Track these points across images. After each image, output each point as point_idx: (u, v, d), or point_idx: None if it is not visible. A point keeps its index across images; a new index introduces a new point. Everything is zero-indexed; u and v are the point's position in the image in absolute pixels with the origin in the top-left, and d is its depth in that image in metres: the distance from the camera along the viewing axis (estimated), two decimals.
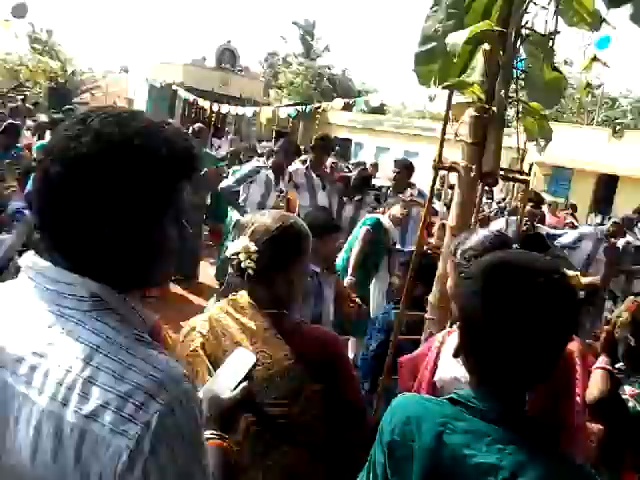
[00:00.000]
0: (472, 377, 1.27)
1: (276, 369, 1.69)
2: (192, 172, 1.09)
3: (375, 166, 12.43)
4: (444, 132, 2.80)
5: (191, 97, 21.52)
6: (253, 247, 1.79)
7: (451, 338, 2.12)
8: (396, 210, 5.59)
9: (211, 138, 14.22)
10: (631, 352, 2.64)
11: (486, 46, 2.62)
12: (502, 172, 2.83)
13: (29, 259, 1.04)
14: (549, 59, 2.71)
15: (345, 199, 6.65)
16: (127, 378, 0.91)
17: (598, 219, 16.15)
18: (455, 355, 1.31)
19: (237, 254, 1.81)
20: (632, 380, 2.59)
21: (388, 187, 7.53)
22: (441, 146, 2.83)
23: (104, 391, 0.90)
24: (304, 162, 6.69)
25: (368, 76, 77.54)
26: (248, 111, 20.73)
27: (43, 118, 11.90)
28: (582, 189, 19.36)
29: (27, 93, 24.75)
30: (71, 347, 0.94)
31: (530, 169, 3.02)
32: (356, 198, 6.62)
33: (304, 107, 20.23)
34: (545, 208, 9.63)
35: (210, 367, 1.74)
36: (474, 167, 2.67)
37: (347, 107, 18.87)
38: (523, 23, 2.60)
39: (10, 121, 7.11)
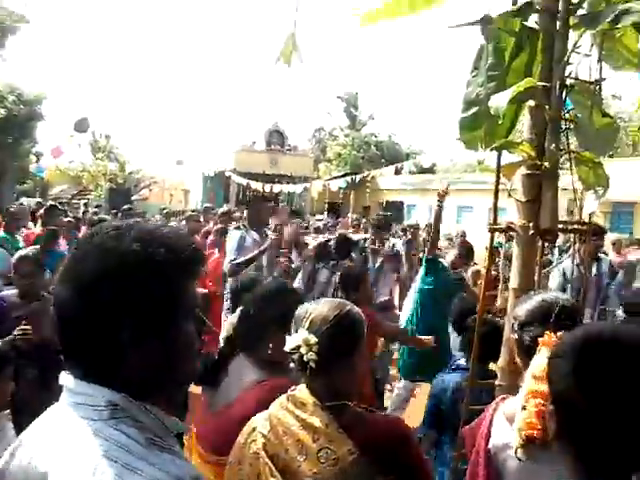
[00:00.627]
0: (572, 464, 1.15)
1: (341, 465, 1.62)
2: (196, 269, 1.13)
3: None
4: (496, 195, 2.73)
5: (244, 181, 22.23)
6: (313, 339, 1.73)
7: (505, 404, 2.03)
8: (452, 256, 6.09)
9: None
10: None
11: (531, 102, 2.57)
12: (561, 225, 2.71)
13: (64, 378, 1.07)
14: (598, 105, 2.63)
15: (321, 264, 6.29)
16: None
17: None
18: (545, 442, 1.20)
19: (297, 348, 1.75)
20: None
21: (364, 239, 7.30)
22: (495, 208, 2.75)
23: None
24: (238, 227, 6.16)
25: (414, 138, 78.37)
26: (298, 188, 21.14)
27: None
28: None
29: (89, 197, 26.07)
30: (82, 458, 0.96)
31: (590, 218, 2.89)
32: (331, 263, 6.29)
33: (353, 177, 20.49)
34: (609, 246, 9.25)
35: (272, 468, 1.69)
36: (531, 225, 2.57)
37: (398, 172, 18.98)
38: (567, 74, 2.54)
39: (51, 227, 7.18)
